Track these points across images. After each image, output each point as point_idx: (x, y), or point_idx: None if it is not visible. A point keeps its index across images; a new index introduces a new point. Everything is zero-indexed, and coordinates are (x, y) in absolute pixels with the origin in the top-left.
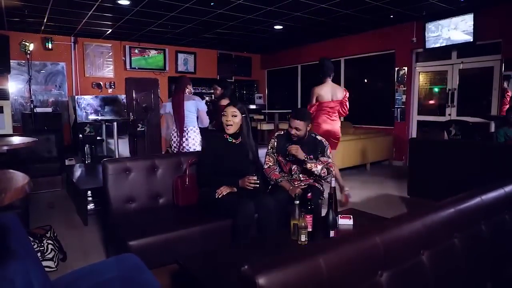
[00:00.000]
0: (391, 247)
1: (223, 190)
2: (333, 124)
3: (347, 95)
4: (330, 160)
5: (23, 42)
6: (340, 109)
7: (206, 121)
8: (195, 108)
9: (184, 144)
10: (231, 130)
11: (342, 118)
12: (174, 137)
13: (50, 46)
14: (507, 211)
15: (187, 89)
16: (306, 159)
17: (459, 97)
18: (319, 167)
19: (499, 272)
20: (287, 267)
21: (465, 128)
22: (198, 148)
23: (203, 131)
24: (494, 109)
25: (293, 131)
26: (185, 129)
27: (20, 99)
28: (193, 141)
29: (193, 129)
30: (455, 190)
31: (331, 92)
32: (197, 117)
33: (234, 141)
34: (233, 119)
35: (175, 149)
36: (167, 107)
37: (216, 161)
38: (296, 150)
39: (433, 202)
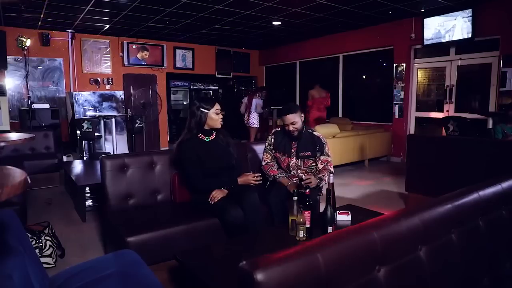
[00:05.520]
0: (389, 242)
1: (216, 196)
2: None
3: (326, 95)
4: (329, 159)
5: (20, 38)
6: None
7: (259, 109)
8: (255, 103)
9: (249, 119)
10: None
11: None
12: (245, 116)
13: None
14: (505, 206)
15: (257, 93)
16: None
17: (457, 94)
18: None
19: (496, 267)
20: (285, 262)
21: (463, 125)
22: (256, 122)
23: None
24: (492, 106)
25: (291, 127)
26: (251, 111)
27: (17, 95)
28: (253, 119)
29: (253, 112)
30: (452, 186)
31: (318, 93)
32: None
33: (210, 138)
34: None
35: (246, 122)
36: (245, 100)
37: (202, 164)
38: (312, 182)
39: (430, 198)
